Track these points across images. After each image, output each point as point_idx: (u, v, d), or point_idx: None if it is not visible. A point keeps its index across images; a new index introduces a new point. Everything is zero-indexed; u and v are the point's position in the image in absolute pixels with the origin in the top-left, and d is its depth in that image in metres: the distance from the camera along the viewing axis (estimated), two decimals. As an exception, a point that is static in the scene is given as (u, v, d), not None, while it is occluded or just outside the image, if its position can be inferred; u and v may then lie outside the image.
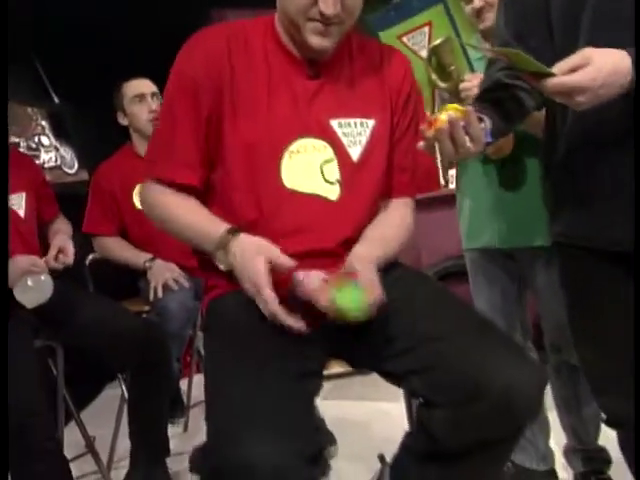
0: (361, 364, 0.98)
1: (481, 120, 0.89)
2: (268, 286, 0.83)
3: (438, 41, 1.11)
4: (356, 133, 0.96)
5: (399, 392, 1.21)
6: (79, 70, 2.93)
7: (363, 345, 0.90)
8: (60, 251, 1.57)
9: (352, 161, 0.96)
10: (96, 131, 2.99)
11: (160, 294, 1.72)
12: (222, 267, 0.91)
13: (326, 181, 0.95)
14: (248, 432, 0.73)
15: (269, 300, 0.83)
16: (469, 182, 1.45)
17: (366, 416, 2.07)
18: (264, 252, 0.87)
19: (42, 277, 1.48)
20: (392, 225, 1.00)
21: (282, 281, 0.86)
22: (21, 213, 1.61)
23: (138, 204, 1.87)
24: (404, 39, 1.07)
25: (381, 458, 1.06)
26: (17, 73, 2.73)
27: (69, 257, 1.60)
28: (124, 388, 1.74)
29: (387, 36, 0.97)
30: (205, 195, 0.99)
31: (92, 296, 1.80)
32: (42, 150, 3.12)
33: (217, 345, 0.92)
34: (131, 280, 1.93)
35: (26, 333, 1.49)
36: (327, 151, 0.95)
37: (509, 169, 1.36)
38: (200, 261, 1.02)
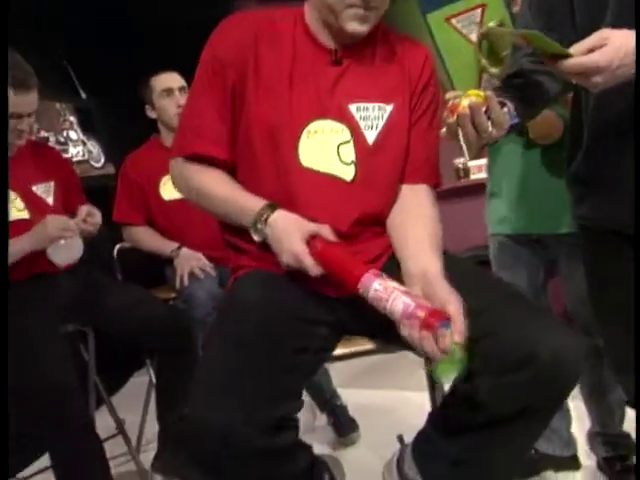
0: (392, 341, 1.00)
1: (503, 105, 0.90)
2: (308, 255, 0.87)
3: (492, 24, 1.11)
4: (373, 117, 0.98)
5: (422, 380, 1.22)
6: (106, 66, 2.99)
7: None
8: (88, 215, 1.60)
9: (368, 144, 0.98)
10: (122, 126, 3.05)
11: (186, 282, 1.76)
12: (257, 239, 0.94)
13: (342, 162, 0.97)
14: (209, 396, 0.78)
15: (310, 267, 0.87)
16: (506, 167, 1.45)
17: (389, 404, 2.09)
18: (302, 225, 0.90)
19: (74, 237, 1.54)
20: (430, 220, 0.99)
21: (316, 254, 0.88)
22: (50, 201, 1.65)
23: (165, 195, 1.92)
24: (453, 21, 1.06)
25: (400, 439, 1.07)
26: (46, 69, 2.80)
27: (97, 218, 1.62)
28: (152, 374, 1.80)
29: (435, 18, 0.97)
30: (233, 174, 1.02)
31: (121, 284, 1.85)
32: (70, 144, 3.19)
33: (223, 315, 0.97)
34: (158, 269, 1.98)
35: (55, 316, 1.55)
36: (344, 133, 0.97)
37: (554, 154, 1.36)
38: (228, 243, 1.05)
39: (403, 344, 0.95)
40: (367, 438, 1.88)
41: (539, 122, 1.31)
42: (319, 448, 1.81)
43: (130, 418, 1.92)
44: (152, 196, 1.92)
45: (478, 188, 2.77)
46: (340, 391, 1.99)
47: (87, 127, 3.26)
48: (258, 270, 0.98)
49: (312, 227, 0.91)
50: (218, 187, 1.00)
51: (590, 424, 1.49)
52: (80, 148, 3.25)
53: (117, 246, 2.02)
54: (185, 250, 1.84)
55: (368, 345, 1.03)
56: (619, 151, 0.95)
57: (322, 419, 1.97)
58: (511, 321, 0.82)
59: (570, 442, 1.50)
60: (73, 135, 3.23)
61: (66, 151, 3.12)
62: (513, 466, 0.93)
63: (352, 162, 0.97)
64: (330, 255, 0.88)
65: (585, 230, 1.07)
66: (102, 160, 3.31)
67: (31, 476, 1.84)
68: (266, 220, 0.92)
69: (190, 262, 1.80)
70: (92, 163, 3.29)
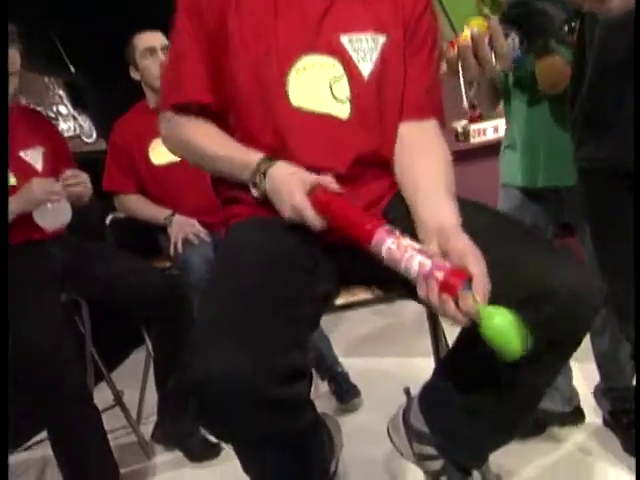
0: (395, 288, 0.95)
1: (507, 36, 0.85)
2: (309, 207, 0.82)
3: None
4: (367, 49, 0.93)
5: (424, 345, 1.18)
6: (95, 39, 2.91)
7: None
8: (72, 176, 1.55)
9: (363, 78, 0.93)
10: (113, 100, 2.98)
11: (180, 248, 1.73)
12: (256, 194, 0.89)
13: (336, 99, 0.91)
14: (214, 345, 0.72)
15: (312, 220, 0.82)
16: (516, 123, 1.43)
17: (391, 370, 2.07)
18: (302, 176, 0.85)
19: (61, 201, 1.51)
20: (441, 158, 0.92)
21: (319, 204, 0.83)
22: (38, 167, 1.60)
23: (154, 160, 1.87)
24: None
25: (406, 391, 1.03)
26: (32, 43, 2.73)
27: (82, 178, 1.56)
28: (150, 345, 1.76)
29: None
30: (223, 124, 0.96)
31: (112, 252, 1.81)
32: (61, 119, 3.13)
33: (220, 262, 0.91)
34: (152, 239, 1.94)
35: (52, 286, 1.51)
36: (336, 68, 0.92)
37: (560, 107, 1.32)
38: (220, 196, 1.01)
39: (406, 291, 0.91)
40: (369, 404, 1.86)
41: (547, 69, 1.26)
42: (321, 415, 1.79)
43: (130, 392, 1.89)
44: (142, 161, 1.87)
45: (478, 152, 2.72)
46: (341, 360, 1.96)
47: (77, 102, 3.20)
48: (254, 217, 0.93)
49: (313, 177, 0.85)
50: (210, 142, 0.94)
51: (599, 378, 1.46)
52: (71, 123, 3.19)
53: (109, 216, 1.98)
54: (178, 216, 1.80)
55: (369, 295, 0.99)
56: (620, 88, 0.92)
57: (323, 387, 1.95)
58: (527, 258, 0.77)
59: (572, 396, 1.48)
60: (63, 110, 3.17)
61: (57, 126, 3.06)
62: (526, 414, 0.88)
63: (347, 98, 0.92)
64: (334, 207, 0.82)
65: (585, 174, 1.04)
66: (94, 135, 3.25)
67: (33, 445, 1.83)
68: (264, 173, 0.87)
69: (184, 228, 1.76)
70: (84, 138, 3.23)
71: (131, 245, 1.95)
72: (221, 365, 0.70)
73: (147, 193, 1.91)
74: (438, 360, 1.11)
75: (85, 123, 3.27)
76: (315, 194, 0.83)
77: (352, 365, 1.99)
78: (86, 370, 1.75)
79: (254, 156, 0.89)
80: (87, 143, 3.22)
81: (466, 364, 0.85)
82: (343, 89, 0.92)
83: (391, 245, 0.76)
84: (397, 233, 0.78)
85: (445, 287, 0.71)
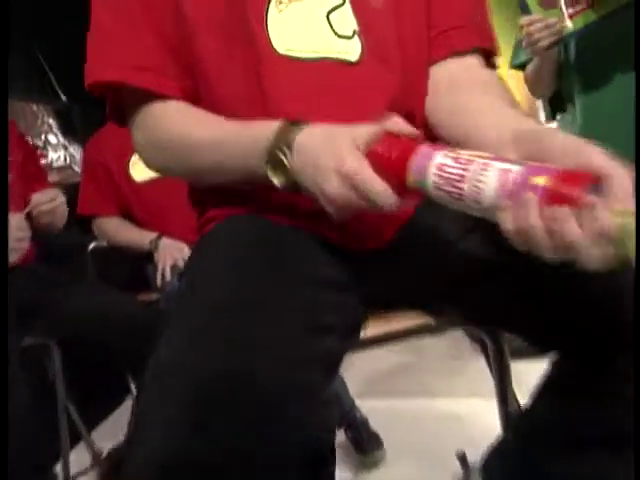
0: (449, 309, 0.67)
1: None
2: (371, 172, 0.51)
3: None
4: None
5: (451, 386, 0.91)
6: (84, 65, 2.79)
7: (455, 275, 0.60)
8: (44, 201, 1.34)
9: (370, 2, 0.67)
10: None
11: (168, 276, 1.49)
12: (280, 182, 0.58)
13: (338, 35, 0.65)
14: (175, 411, 0.45)
15: (377, 188, 0.50)
16: (581, 107, 1.22)
17: (419, 414, 1.78)
18: (351, 131, 0.54)
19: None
20: (501, 88, 0.66)
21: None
22: None
23: (136, 176, 1.67)
24: None
25: (462, 458, 0.74)
26: (22, 71, 2.60)
27: (56, 198, 1.38)
28: (135, 393, 1.51)
29: None
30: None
31: (93, 284, 1.57)
32: (50, 149, 2.98)
33: (185, 285, 0.62)
34: (139, 269, 1.71)
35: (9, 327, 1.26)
36: None
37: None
38: (198, 197, 0.75)
39: (462, 310, 0.65)
40: (393, 456, 1.57)
41: None
42: (337, 471, 1.51)
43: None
44: (122, 179, 1.67)
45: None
46: (358, 402, 1.69)
47: (68, 131, 3.06)
48: (237, 216, 0.66)
49: (367, 128, 0.54)
50: (206, 127, 0.65)
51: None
52: (61, 153, 3.03)
53: (91, 245, 1.76)
54: (165, 240, 1.58)
55: (406, 322, 0.73)
56: None
57: (339, 436, 1.67)
58: None
59: None
60: (52, 139, 3.01)
61: (45, 156, 2.91)
62: None
63: (354, 32, 0.66)
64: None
65: None
66: (86, 165, 3.09)
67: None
68: (290, 145, 0.56)
69: (173, 253, 1.53)
70: (75, 169, 3.06)
71: (115, 277, 1.73)
72: (185, 447, 0.44)
73: (132, 216, 1.70)
74: (506, 409, 0.82)
75: (77, 152, 3.10)
76: (375, 151, 0.52)
77: (372, 407, 1.72)
78: (58, 431, 1.48)
79: (272, 125, 0.58)
80: (79, 174, 3.05)
81: (561, 420, 0.57)
82: (347, 20, 0.66)
83: (444, 160, 0.49)
84: (448, 147, 0.51)
85: (556, 198, 0.43)
